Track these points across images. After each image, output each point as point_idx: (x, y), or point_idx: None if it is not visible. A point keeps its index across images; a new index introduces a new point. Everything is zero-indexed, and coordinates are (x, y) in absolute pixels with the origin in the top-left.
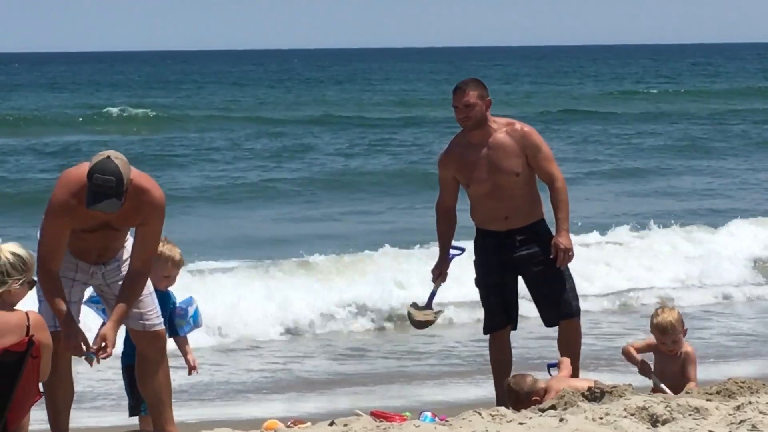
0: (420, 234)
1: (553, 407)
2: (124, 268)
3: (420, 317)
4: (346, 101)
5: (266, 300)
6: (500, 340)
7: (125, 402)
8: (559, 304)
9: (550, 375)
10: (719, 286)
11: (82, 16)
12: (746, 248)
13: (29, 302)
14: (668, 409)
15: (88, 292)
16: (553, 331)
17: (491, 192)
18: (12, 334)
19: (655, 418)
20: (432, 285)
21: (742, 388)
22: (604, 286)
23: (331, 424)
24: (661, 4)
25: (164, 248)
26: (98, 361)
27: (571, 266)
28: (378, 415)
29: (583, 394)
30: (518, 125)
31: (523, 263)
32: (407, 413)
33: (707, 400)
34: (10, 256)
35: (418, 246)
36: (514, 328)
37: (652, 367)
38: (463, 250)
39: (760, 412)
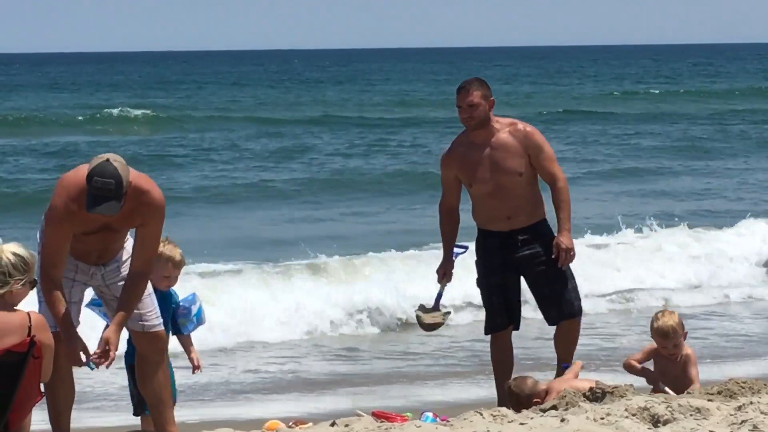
0: (420, 235)
1: (555, 407)
2: (124, 269)
3: (429, 320)
4: (345, 101)
5: (275, 302)
6: (502, 340)
7: (126, 402)
8: (561, 304)
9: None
10: (724, 287)
11: (83, 17)
12: (755, 248)
13: (29, 303)
14: (669, 409)
15: (88, 292)
16: (554, 331)
17: (493, 192)
18: (14, 334)
19: (657, 419)
20: (438, 286)
21: (743, 388)
22: (609, 286)
23: (332, 425)
24: (661, 5)
25: (165, 249)
26: (98, 367)
27: (578, 266)
28: (379, 416)
29: (584, 395)
30: (521, 125)
31: (525, 263)
32: (408, 413)
33: (708, 400)
34: (11, 257)
35: (418, 247)
36: (516, 329)
37: (647, 365)
38: (466, 248)
39: (762, 413)
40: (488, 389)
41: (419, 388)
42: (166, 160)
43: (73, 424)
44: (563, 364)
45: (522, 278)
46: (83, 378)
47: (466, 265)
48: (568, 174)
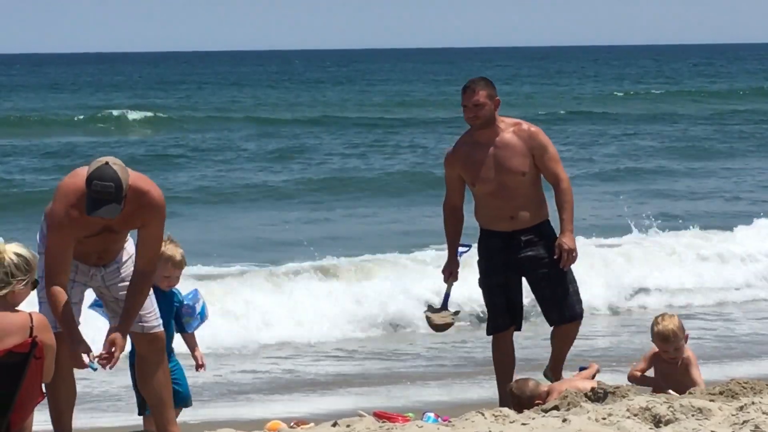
0: (422, 236)
1: (556, 408)
2: (123, 270)
3: (438, 320)
4: (345, 101)
5: (276, 303)
6: (503, 340)
7: (127, 402)
8: (563, 308)
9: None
10: (727, 288)
11: (83, 17)
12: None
13: (30, 303)
14: (671, 409)
15: (89, 293)
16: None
17: (497, 191)
18: (15, 335)
19: (658, 419)
20: (444, 286)
21: (745, 388)
22: (613, 287)
23: (334, 425)
24: (662, 5)
25: (166, 248)
26: (104, 368)
27: (584, 268)
28: (381, 416)
29: (586, 395)
30: (525, 125)
31: (527, 265)
32: (410, 414)
33: (710, 400)
34: (14, 257)
35: (419, 248)
36: (518, 329)
37: (650, 372)
38: (469, 246)
39: (763, 413)
40: (490, 389)
41: (421, 389)
42: (166, 161)
43: (74, 424)
44: (579, 366)
45: (524, 279)
46: (85, 378)
47: (467, 266)
48: (568, 174)
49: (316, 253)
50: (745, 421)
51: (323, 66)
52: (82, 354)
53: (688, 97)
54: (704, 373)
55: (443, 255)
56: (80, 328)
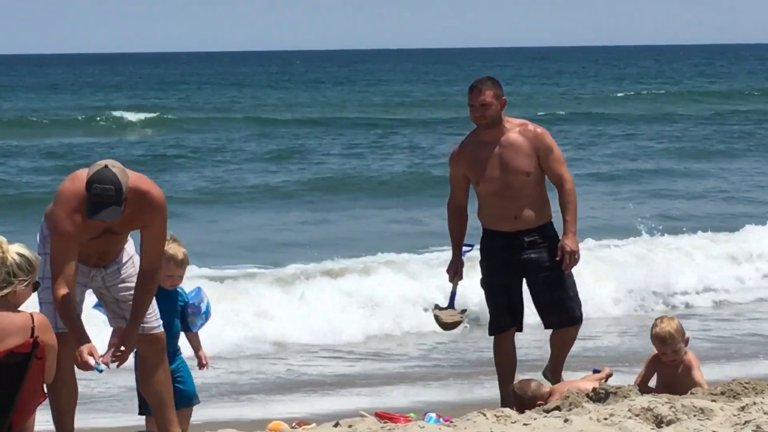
0: (422, 237)
1: (558, 408)
2: (124, 271)
3: (447, 319)
4: (346, 102)
5: (278, 304)
6: (505, 341)
7: (127, 403)
8: (561, 312)
9: None
10: (727, 289)
11: (83, 18)
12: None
13: (31, 304)
14: (673, 409)
15: (90, 294)
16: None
17: (501, 190)
18: (17, 335)
19: (660, 419)
20: (450, 285)
21: (746, 388)
22: (618, 288)
23: (335, 425)
24: (663, 5)
25: (168, 247)
26: (108, 367)
27: (588, 268)
28: (382, 416)
29: (587, 395)
30: (531, 126)
31: (529, 267)
32: (412, 414)
33: (712, 400)
34: (16, 257)
35: (418, 250)
36: (520, 330)
37: (655, 379)
38: (472, 246)
39: (765, 413)
40: (491, 390)
41: (422, 389)
42: (166, 161)
43: (76, 425)
44: (594, 369)
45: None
46: (86, 379)
47: (469, 266)
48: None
49: (317, 253)
50: (746, 422)
51: (323, 66)
52: (88, 356)
53: (688, 97)
54: (705, 373)
55: (443, 256)
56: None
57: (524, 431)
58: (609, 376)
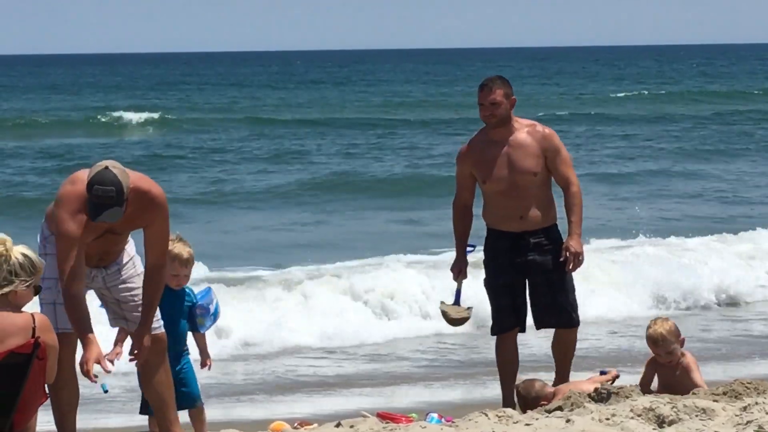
0: (423, 238)
1: (560, 408)
2: (124, 271)
3: (455, 314)
4: (347, 103)
5: (280, 305)
6: (508, 341)
7: (131, 403)
8: (560, 315)
9: None
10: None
11: (83, 18)
12: None
13: (31, 304)
14: (675, 410)
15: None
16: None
17: (508, 190)
18: (18, 335)
19: (662, 419)
20: (454, 284)
21: (748, 388)
22: (627, 288)
23: (337, 426)
24: (663, 5)
25: (174, 247)
26: (113, 364)
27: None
28: (384, 417)
29: (589, 395)
30: (540, 127)
31: (533, 268)
32: (413, 414)
33: (714, 401)
34: (20, 256)
35: (421, 250)
36: (523, 330)
37: (656, 381)
38: (474, 246)
39: (767, 413)
40: (493, 390)
41: (424, 389)
42: (166, 162)
43: (78, 425)
44: (600, 370)
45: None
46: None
47: (471, 266)
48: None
49: (317, 254)
50: (748, 422)
51: (323, 66)
52: (94, 364)
53: (688, 97)
54: (707, 373)
55: (444, 257)
56: None
57: (526, 431)
58: (615, 377)
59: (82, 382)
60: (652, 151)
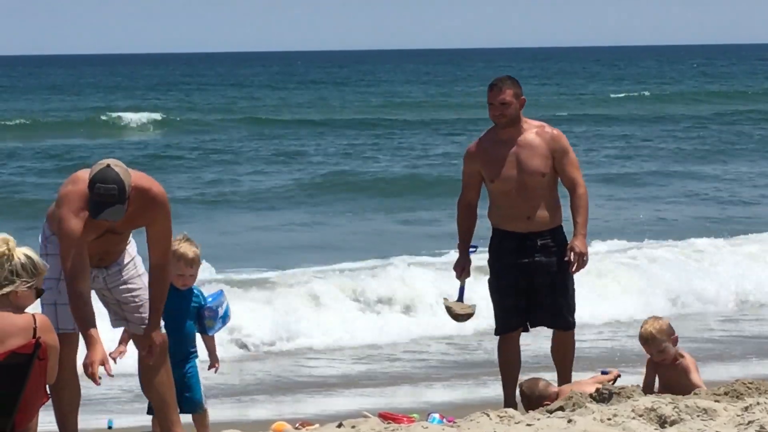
0: (425, 239)
1: (561, 408)
2: (125, 272)
3: (459, 310)
4: (346, 103)
5: (282, 305)
6: (511, 341)
7: (132, 404)
8: (558, 317)
9: None
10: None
11: (84, 19)
12: None
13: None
14: (676, 410)
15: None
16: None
17: (516, 190)
18: (19, 336)
19: (663, 419)
20: (457, 282)
21: (750, 388)
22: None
23: (339, 426)
24: (664, 5)
25: (179, 246)
26: (115, 362)
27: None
28: (386, 417)
29: (591, 396)
30: (548, 128)
31: (538, 269)
32: (415, 415)
33: (715, 401)
34: (22, 257)
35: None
36: (526, 330)
37: (657, 381)
38: (476, 247)
39: None
40: (495, 390)
41: (426, 389)
42: (166, 162)
43: (80, 425)
44: (602, 370)
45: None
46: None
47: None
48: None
49: (319, 255)
50: (750, 422)
51: (324, 67)
52: (99, 366)
53: (689, 97)
54: (709, 373)
55: (445, 258)
56: None
57: (527, 431)
58: (617, 377)
59: (84, 382)
60: (651, 151)
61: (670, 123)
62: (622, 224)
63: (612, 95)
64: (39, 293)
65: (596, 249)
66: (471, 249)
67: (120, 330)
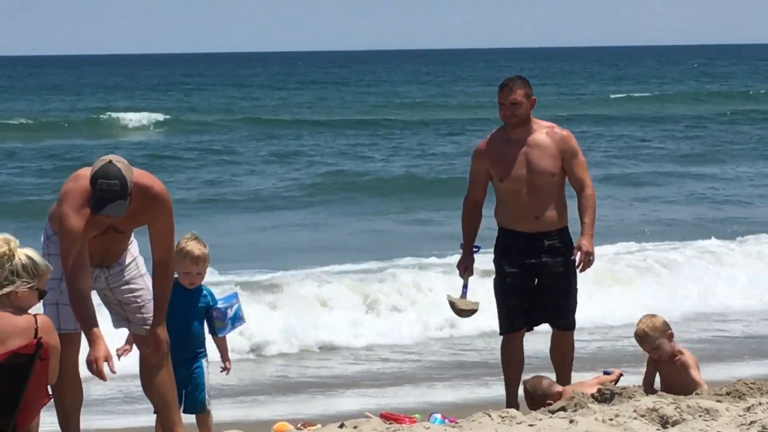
0: (426, 240)
1: (563, 409)
2: (127, 272)
3: (463, 306)
4: (346, 103)
5: (283, 306)
6: (515, 341)
7: (133, 404)
8: (558, 318)
9: None
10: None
11: (84, 19)
12: None
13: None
14: (678, 410)
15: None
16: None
17: (525, 190)
18: (20, 336)
19: (665, 420)
20: (460, 280)
21: (752, 389)
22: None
23: (341, 426)
24: (664, 5)
25: (186, 244)
26: (119, 359)
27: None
28: (388, 417)
29: (593, 396)
30: (558, 129)
31: (544, 270)
32: (417, 415)
33: (717, 401)
34: (23, 257)
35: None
36: (530, 330)
37: (657, 380)
38: (479, 247)
39: None
40: (497, 390)
41: (428, 390)
42: (166, 163)
43: (82, 425)
44: (603, 370)
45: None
46: (91, 379)
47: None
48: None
49: (320, 256)
50: (752, 422)
51: (324, 67)
52: (103, 362)
53: (690, 97)
54: (711, 373)
55: (445, 259)
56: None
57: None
58: (619, 377)
59: (86, 383)
60: (651, 151)
61: (670, 123)
62: (623, 224)
63: (612, 95)
64: (42, 295)
65: (603, 251)
66: (474, 249)
67: (120, 331)
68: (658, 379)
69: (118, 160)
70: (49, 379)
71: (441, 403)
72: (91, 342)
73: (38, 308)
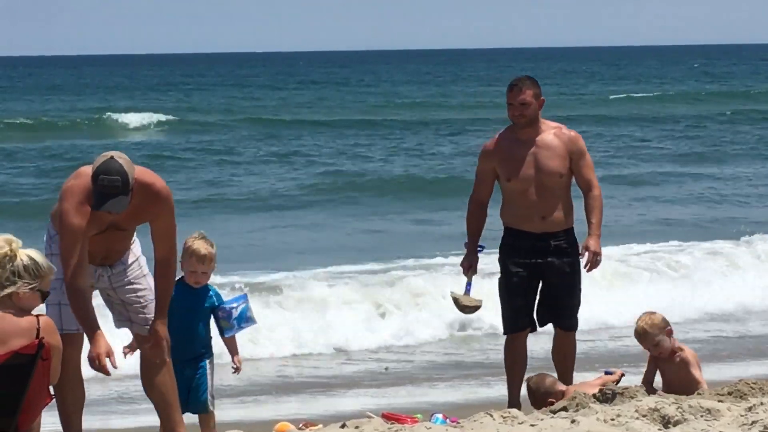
0: (427, 241)
1: (565, 409)
2: (130, 272)
3: (466, 302)
4: (347, 103)
5: (285, 306)
6: (518, 341)
7: (136, 404)
8: (563, 318)
9: None
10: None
11: (84, 19)
12: None
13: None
14: (680, 410)
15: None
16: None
17: (533, 190)
18: (22, 337)
19: (667, 420)
20: (464, 278)
21: (753, 389)
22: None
23: (342, 426)
24: (664, 5)
25: (192, 243)
26: (124, 357)
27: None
28: (389, 417)
29: (594, 396)
30: (566, 129)
31: (550, 270)
32: (418, 415)
33: (719, 401)
34: (25, 258)
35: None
36: (533, 330)
37: (658, 378)
38: (483, 247)
39: None
40: (498, 390)
41: (429, 390)
42: (166, 163)
43: (84, 426)
44: (605, 370)
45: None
46: (96, 380)
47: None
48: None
49: (321, 256)
50: (754, 422)
51: (325, 67)
52: (106, 357)
53: (689, 97)
54: (712, 373)
55: (446, 260)
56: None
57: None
58: (621, 377)
59: (88, 383)
60: (651, 151)
61: (669, 123)
62: (622, 225)
63: (612, 95)
64: (44, 296)
65: (609, 252)
66: (479, 248)
67: (121, 331)
68: (659, 377)
69: (120, 156)
70: (51, 380)
71: (442, 403)
72: (92, 339)
73: (41, 308)
